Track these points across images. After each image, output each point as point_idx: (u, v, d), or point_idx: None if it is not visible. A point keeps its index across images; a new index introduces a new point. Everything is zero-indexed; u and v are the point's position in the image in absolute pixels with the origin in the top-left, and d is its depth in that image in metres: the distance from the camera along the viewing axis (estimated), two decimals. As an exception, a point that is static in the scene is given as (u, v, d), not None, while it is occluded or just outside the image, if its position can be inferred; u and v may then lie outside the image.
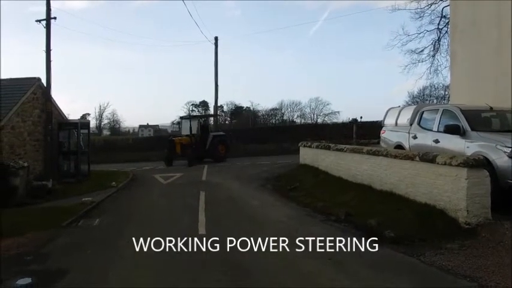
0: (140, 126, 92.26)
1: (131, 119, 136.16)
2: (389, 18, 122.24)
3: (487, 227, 7.10)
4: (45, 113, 16.88)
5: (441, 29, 25.39)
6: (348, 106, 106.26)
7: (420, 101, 54.12)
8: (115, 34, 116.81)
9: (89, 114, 79.14)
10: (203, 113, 56.84)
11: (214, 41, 29.12)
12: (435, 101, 53.74)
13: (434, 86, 52.97)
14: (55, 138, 17.30)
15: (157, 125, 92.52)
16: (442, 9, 24.69)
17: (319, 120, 68.04)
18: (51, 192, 14.04)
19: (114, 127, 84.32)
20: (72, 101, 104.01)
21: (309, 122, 68.00)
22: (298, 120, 72.28)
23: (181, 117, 27.14)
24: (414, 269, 5.93)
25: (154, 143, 33.54)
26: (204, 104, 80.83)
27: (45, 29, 16.89)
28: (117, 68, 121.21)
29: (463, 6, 12.89)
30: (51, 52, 17.06)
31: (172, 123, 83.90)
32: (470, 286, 5.22)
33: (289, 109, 75.17)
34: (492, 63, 11.28)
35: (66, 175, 17.12)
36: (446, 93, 54.92)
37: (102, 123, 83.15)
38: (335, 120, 61.73)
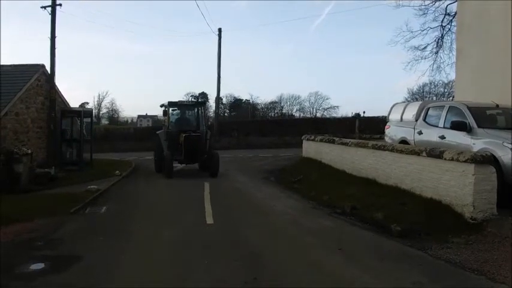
0: (139, 116, 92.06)
1: (130, 108, 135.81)
2: (393, 14, 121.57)
3: (493, 222, 7.21)
4: (49, 100, 16.84)
5: (444, 26, 25.34)
6: (347, 101, 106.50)
7: (420, 97, 54.29)
8: (116, 23, 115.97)
9: (87, 103, 78.59)
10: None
11: (218, 33, 29.06)
12: (434, 98, 53.85)
13: (433, 83, 53.12)
14: (58, 125, 17.28)
15: (156, 116, 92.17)
16: (446, 6, 24.64)
17: (318, 115, 68.13)
18: (54, 179, 14.07)
19: (113, 116, 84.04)
20: (71, 89, 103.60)
21: (308, 116, 68.08)
22: (297, 114, 72.32)
23: (171, 103, 16.64)
24: (422, 262, 6.02)
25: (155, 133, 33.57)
26: (203, 96, 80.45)
27: (50, 16, 16.83)
28: (117, 58, 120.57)
29: (471, 1, 12.90)
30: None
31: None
32: (478, 279, 5.32)
33: (288, 103, 75.16)
34: (498, 60, 11.31)
35: (68, 163, 17.13)
36: (446, 90, 55.23)
37: (101, 112, 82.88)
38: (334, 115, 61.97)
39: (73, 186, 12.57)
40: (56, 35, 17.00)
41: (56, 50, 16.96)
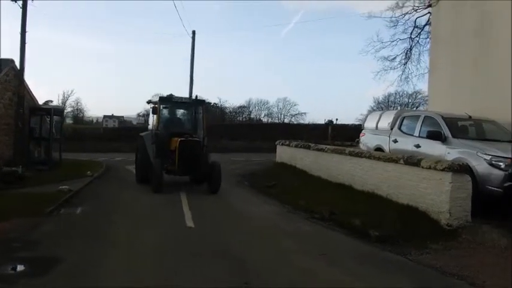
0: (105, 116, 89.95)
1: (95, 108, 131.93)
2: (364, 24, 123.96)
3: (468, 229, 7.54)
4: (17, 97, 16.22)
5: (413, 38, 26.20)
6: (315, 108, 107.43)
7: (385, 107, 55.87)
8: (85, 20, 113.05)
9: (51, 101, 75.80)
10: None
11: (191, 35, 28.81)
12: (399, 107, 55.43)
13: (399, 93, 54.72)
14: (26, 123, 16.68)
15: (123, 116, 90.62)
16: (416, 19, 25.51)
17: (286, 120, 68.74)
18: (22, 178, 13.54)
19: (78, 116, 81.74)
20: (35, 86, 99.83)
21: (276, 121, 68.57)
22: (265, 119, 72.66)
23: (163, 99, 13.67)
24: (404, 267, 6.23)
25: (125, 134, 33.32)
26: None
27: (21, 10, 16.23)
28: (84, 56, 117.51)
29: (444, 17, 13.47)
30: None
31: (138, 115, 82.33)
32: (460, 284, 5.55)
33: (256, 107, 75.43)
34: (470, 73, 11.86)
35: (37, 162, 16.53)
36: (410, 100, 57.10)
37: (65, 111, 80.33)
38: (301, 121, 62.76)
39: (43, 186, 12.11)
40: (27, 30, 16.40)
41: (26, 46, 16.34)
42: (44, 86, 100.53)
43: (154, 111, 13.25)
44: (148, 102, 14.67)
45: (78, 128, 41.87)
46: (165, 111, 14.16)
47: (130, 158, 22.05)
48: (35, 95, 18.22)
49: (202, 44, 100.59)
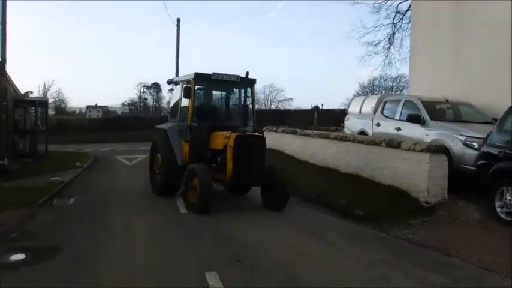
0: (88, 106, 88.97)
1: (78, 99, 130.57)
2: (349, 10, 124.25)
3: (445, 206, 8.06)
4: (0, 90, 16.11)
5: (396, 23, 26.73)
6: (301, 93, 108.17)
7: (370, 91, 56.52)
8: (63, 8, 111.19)
9: (31, 92, 74.46)
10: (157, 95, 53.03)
11: (176, 23, 28.77)
12: (383, 91, 56.15)
13: (383, 77, 55.47)
14: (10, 116, 16.59)
15: (106, 106, 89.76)
16: (397, 5, 26.02)
17: (273, 107, 69.03)
18: (8, 172, 13.57)
19: (60, 106, 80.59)
20: (14, 77, 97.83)
21: (263, 107, 68.81)
22: (251, 106, 72.62)
23: (199, 76, 9.27)
24: (386, 241, 6.70)
25: (112, 125, 33.40)
26: (156, 86, 79.40)
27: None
28: (65, 45, 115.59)
29: (424, 5, 13.82)
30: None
31: (123, 104, 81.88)
32: (436, 255, 6.01)
33: (243, 94, 75.31)
34: (449, 57, 12.27)
35: (22, 155, 16.52)
36: (394, 84, 57.86)
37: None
38: (288, 107, 63.15)
39: (32, 178, 12.17)
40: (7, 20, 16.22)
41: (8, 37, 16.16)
42: (22, 76, 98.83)
43: (187, 93, 9.13)
44: (170, 81, 10.75)
45: (63, 119, 41.50)
46: (200, 94, 10.18)
47: (117, 148, 22.33)
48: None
49: (186, 30, 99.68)
